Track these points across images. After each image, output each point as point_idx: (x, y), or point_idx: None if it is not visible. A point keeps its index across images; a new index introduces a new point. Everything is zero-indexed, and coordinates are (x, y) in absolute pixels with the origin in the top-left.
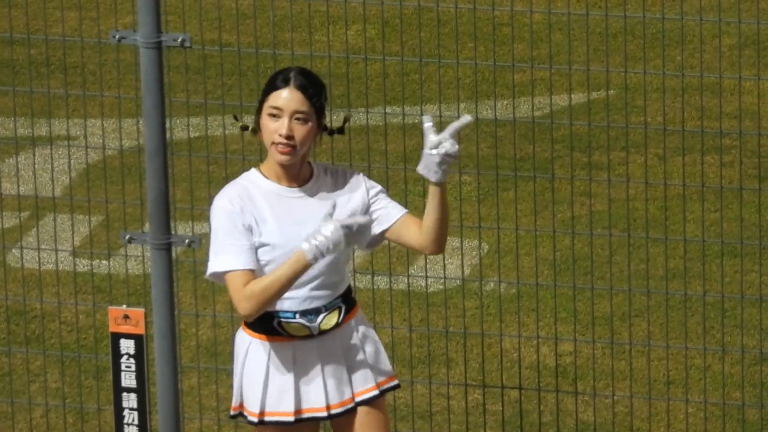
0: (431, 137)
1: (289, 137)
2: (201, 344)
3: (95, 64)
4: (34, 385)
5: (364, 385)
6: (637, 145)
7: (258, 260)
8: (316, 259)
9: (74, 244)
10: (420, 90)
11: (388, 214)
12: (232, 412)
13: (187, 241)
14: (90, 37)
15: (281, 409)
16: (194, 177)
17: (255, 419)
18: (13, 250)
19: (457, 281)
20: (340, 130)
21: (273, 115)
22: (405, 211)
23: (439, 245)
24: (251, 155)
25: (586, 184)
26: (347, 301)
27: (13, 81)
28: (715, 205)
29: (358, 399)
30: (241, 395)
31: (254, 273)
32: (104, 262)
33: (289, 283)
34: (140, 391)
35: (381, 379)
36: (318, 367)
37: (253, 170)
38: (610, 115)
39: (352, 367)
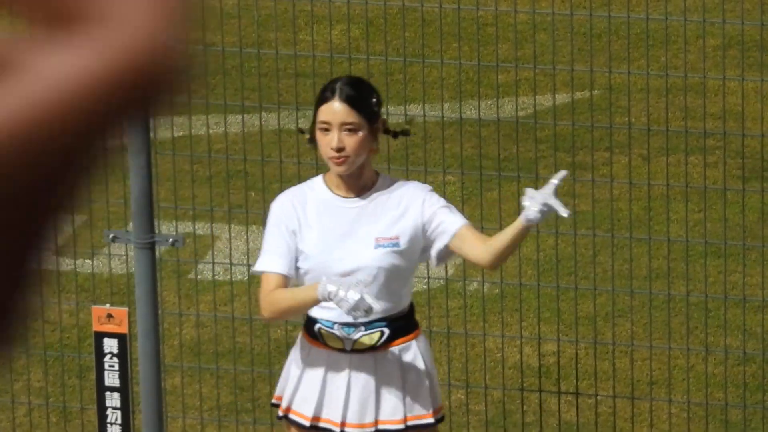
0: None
1: (340, 149)
2: (184, 343)
3: None
4: (17, 384)
5: (392, 416)
6: (621, 146)
7: (297, 268)
8: (324, 300)
9: (57, 243)
10: (404, 90)
11: (446, 229)
12: (274, 401)
13: (170, 240)
14: None
15: (303, 411)
16: (178, 176)
17: (280, 413)
18: None
19: (441, 281)
20: (405, 133)
21: (324, 129)
22: (463, 223)
23: (497, 265)
24: (235, 155)
25: (569, 184)
26: (396, 327)
27: None
28: (699, 205)
29: (380, 426)
30: (285, 387)
31: (287, 279)
32: (88, 261)
33: (298, 307)
34: (123, 390)
35: (411, 413)
36: (346, 382)
37: (320, 176)
38: (594, 115)
39: (382, 394)
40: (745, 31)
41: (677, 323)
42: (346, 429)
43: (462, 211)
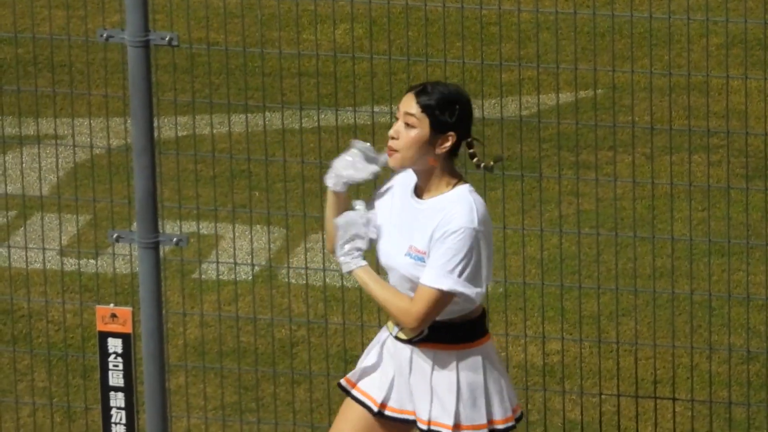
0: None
1: (393, 137)
2: (188, 343)
3: (83, 63)
4: (21, 384)
5: (419, 413)
6: (625, 144)
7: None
8: (333, 185)
9: (62, 243)
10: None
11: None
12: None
13: (174, 239)
14: (77, 36)
15: (351, 376)
16: (182, 176)
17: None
18: (0, 249)
19: None
20: (489, 169)
21: (396, 117)
22: (425, 283)
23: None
24: (239, 154)
25: (573, 183)
26: (439, 332)
27: (0, 80)
28: (703, 204)
29: (414, 418)
30: None
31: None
32: (92, 261)
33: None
34: (128, 390)
35: (435, 419)
36: (390, 365)
37: None
38: (597, 114)
39: (414, 388)
40: (749, 30)
41: (681, 322)
42: (385, 411)
43: None
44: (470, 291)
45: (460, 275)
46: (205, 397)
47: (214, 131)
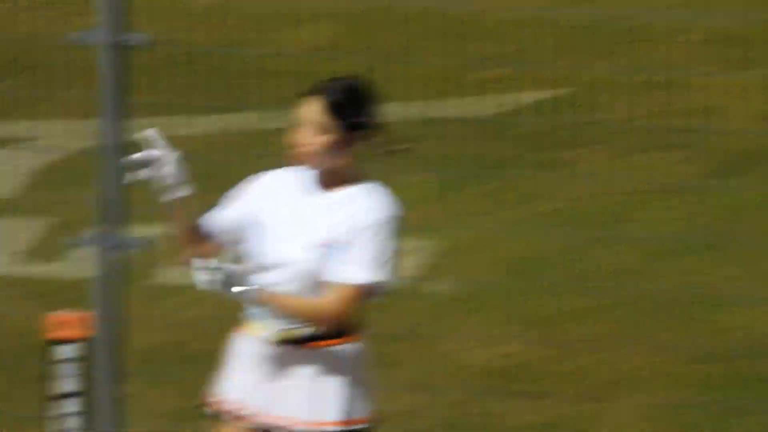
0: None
1: (303, 145)
2: (146, 348)
3: (45, 66)
4: None
5: (299, 415)
6: (590, 143)
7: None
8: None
9: (22, 248)
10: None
11: (335, 266)
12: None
13: (136, 243)
14: (50, 36)
15: (233, 403)
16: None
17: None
18: None
19: (406, 281)
20: (397, 152)
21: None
22: (341, 280)
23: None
24: (218, 154)
25: (536, 183)
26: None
27: None
28: (667, 203)
29: (293, 422)
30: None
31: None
32: (53, 265)
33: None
34: (82, 396)
35: (315, 418)
36: (257, 372)
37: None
38: (563, 113)
39: (294, 390)
40: (729, 27)
41: (642, 322)
42: (263, 419)
43: (435, 210)
44: (389, 282)
45: (383, 266)
46: (162, 403)
47: (181, 133)
